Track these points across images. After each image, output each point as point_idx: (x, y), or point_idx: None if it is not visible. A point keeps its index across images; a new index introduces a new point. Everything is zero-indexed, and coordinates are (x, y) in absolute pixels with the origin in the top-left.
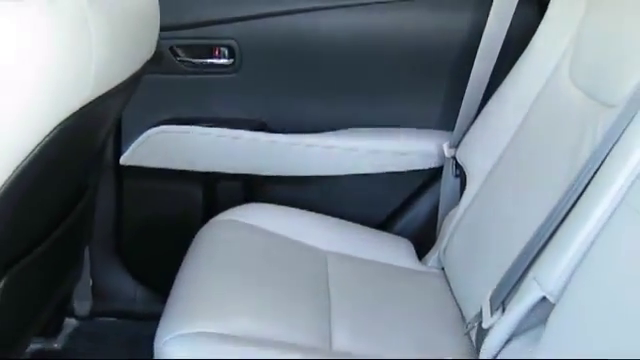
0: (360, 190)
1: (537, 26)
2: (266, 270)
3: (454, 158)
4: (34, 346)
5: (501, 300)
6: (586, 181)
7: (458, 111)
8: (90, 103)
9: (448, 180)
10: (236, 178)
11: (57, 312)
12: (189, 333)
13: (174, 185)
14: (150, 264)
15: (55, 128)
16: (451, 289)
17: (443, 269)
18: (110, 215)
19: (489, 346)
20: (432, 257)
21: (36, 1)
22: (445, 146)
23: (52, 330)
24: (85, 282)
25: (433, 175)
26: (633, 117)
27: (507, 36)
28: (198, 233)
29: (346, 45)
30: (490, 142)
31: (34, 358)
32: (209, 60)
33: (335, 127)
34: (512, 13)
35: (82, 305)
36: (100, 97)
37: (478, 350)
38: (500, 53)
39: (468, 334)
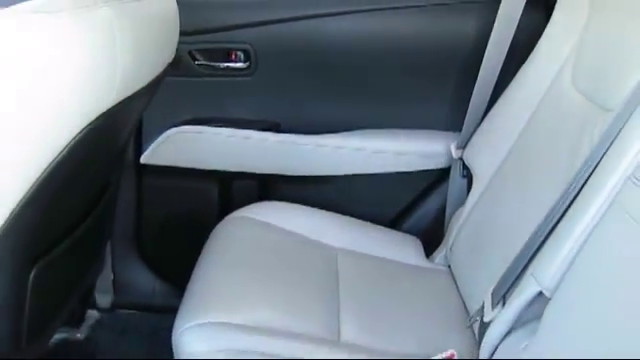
0: (370, 189)
1: (543, 30)
2: (278, 265)
3: (461, 159)
4: (59, 336)
5: (502, 295)
6: (582, 182)
7: (465, 113)
8: (115, 105)
9: (455, 180)
10: (251, 177)
11: (80, 304)
12: (205, 323)
13: (191, 183)
14: (168, 259)
15: (83, 129)
16: (457, 285)
17: (450, 266)
18: (130, 212)
19: (489, 339)
20: (439, 255)
21: (69, 13)
22: (452, 147)
23: (76, 321)
24: (106, 276)
25: (441, 175)
26: (627, 120)
27: (514, 40)
28: (214, 230)
29: (356, 49)
30: (496, 144)
31: (59, 347)
32: (225, 63)
33: (346, 128)
34: (518, 18)
35: (104, 298)
36: (124, 100)
37: (480, 343)
38: (507, 56)
39: (471, 327)
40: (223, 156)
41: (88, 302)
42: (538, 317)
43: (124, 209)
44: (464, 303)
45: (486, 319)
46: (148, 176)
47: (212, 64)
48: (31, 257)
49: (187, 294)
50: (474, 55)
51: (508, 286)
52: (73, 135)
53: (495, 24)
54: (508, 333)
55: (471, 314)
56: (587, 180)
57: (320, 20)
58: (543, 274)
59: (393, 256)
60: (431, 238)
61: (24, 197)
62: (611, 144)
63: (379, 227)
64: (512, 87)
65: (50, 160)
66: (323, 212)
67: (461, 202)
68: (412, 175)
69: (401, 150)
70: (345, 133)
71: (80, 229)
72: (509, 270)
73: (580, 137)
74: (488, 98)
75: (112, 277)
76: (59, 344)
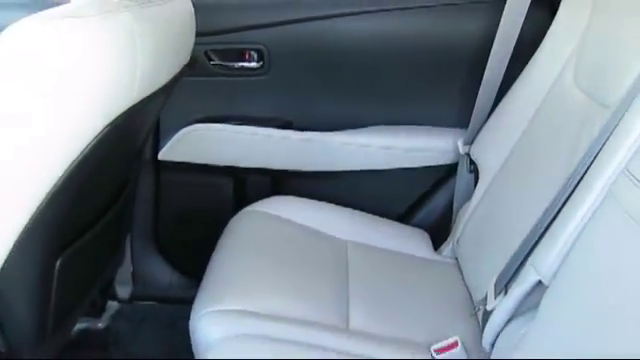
0: (379, 184)
1: (548, 29)
2: (291, 257)
3: (468, 155)
4: (81, 325)
5: (504, 285)
6: (580, 176)
7: (472, 110)
8: (135, 105)
9: (463, 175)
10: (264, 173)
11: (101, 295)
12: (221, 310)
13: (207, 179)
14: (185, 252)
15: (105, 127)
16: (463, 277)
17: (457, 259)
18: (149, 206)
19: (492, 326)
20: (447, 248)
21: (94, 18)
22: (460, 143)
23: (97, 311)
24: (126, 268)
25: (449, 171)
26: (622, 116)
27: (520, 38)
28: (229, 223)
29: (367, 48)
30: (501, 140)
31: (81, 336)
32: (240, 63)
33: (357, 125)
34: (523, 18)
35: (123, 289)
36: (143, 99)
37: (483, 330)
38: (513, 54)
39: (475, 316)
40: (237, 153)
41: (108, 293)
42: (537, 306)
43: (142, 204)
44: (469, 294)
45: (489, 308)
46: (165, 172)
47: (227, 64)
48: (57, 248)
49: (203, 283)
50: (480, 54)
51: (510, 276)
52: (96, 133)
53: (500, 24)
54: (509, 321)
55: (475, 304)
56: (584, 174)
57: (331, 21)
58: (541, 264)
59: (401, 249)
60: (439, 232)
61: (51, 191)
62: (607, 140)
63: (388, 221)
64: (517, 85)
65: (75, 156)
66: (334, 206)
67: (468, 197)
68: (421, 171)
69: (410, 146)
70: (355, 130)
71: (101, 223)
72: (511, 261)
73: (580, 133)
74: (494, 96)
75: (131, 270)
76: (81, 333)
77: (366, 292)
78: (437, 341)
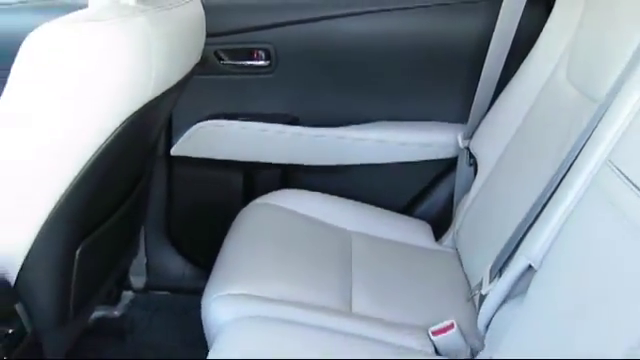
0: (383, 178)
1: (544, 26)
2: (297, 245)
3: (468, 149)
4: (97, 313)
5: (498, 270)
6: (567, 166)
7: (471, 106)
8: (149, 102)
9: (462, 168)
10: (272, 167)
11: (117, 285)
12: (230, 294)
13: (218, 173)
14: (196, 244)
15: (122, 124)
16: (462, 265)
17: (456, 249)
18: (162, 201)
19: (486, 309)
20: (447, 238)
21: (113, 22)
22: (459, 138)
23: (113, 300)
24: (140, 260)
25: (449, 164)
26: (606, 110)
27: (517, 36)
28: (238, 215)
29: (369, 47)
30: (498, 134)
31: (98, 323)
32: (248, 62)
33: (360, 121)
34: (519, 17)
35: (138, 280)
36: (157, 97)
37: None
38: (511, 52)
39: (472, 301)
40: (246, 148)
41: (124, 284)
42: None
43: (156, 198)
44: (468, 281)
45: (483, 292)
46: (177, 168)
47: (236, 63)
48: (77, 238)
49: (214, 271)
50: (479, 52)
51: (503, 262)
52: (113, 130)
53: (497, 22)
54: (502, 304)
55: (472, 289)
56: (572, 165)
57: (336, 21)
58: (531, 249)
59: (404, 239)
60: (441, 223)
61: (71, 185)
62: (592, 132)
63: (391, 213)
64: (513, 82)
65: (93, 152)
66: (339, 199)
67: (468, 189)
68: (422, 164)
69: (412, 141)
70: (359, 125)
71: (117, 215)
72: (504, 248)
73: (570, 127)
74: (492, 92)
75: (145, 261)
76: (98, 321)
77: (368, 279)
78: (435, 324)
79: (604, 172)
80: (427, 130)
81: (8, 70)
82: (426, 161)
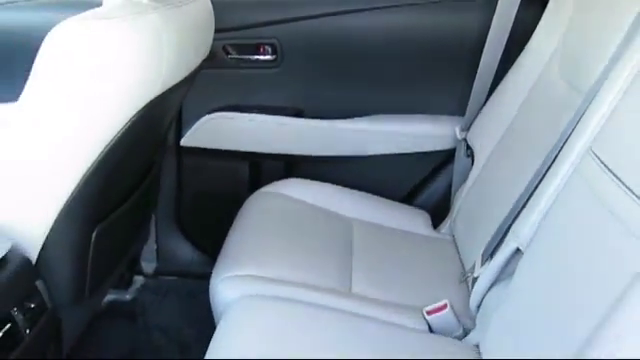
0: (384, 168)
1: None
2: (300, 231)
3: (465, 140)
4: (110, 297)
5: (489, 254)
6: (554, 155)
7: (469, 99)
8: (160, 95)
9: (460, 159)
10: (277, 157)
11: (128, 270)
12: (238, 275)
13: (225, 163)
14: (204, 231)
15: (135, 115)
16: (458, 251)
17: (453, 236)
18: (172, 189)
19: (477, 290)
20: (445, 226)
21: (126, 19)
22: (457, 130)
23: (124, 284)
24: (151, 247)
25: (448, 155)
26: (590, 102)
27: (513, 32)
28: (244, 203)
29: (371, 42)
30: (494, 126)
31: (110, 305)
32: (255, 57)
33: (362, 113)
34: (514, 14)
35: (148, 265)
36: (168, 90)
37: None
38: (507, 47)
39: (466, 283)
40: (253, 139)
41: (135, 269)
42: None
43: (166, 188)
44: (463, 265)
45: (475, 274)
46: (187, 158)
47: (243, 57)
48: (93, 221)
49: (222, 254)
50: (476, 48)
51: (494, 246)
52: (127, 121)
53: (494, 19)
54: (493, 285)
55: (466, 272)
56: (558, 154)
57: (339, 17)
58: (519, 233)
59: (403, 227)
60: (439, 212)
61: (87, 172)
62: (577, 123)
63: (391, 202)
64: (509, 76)
65: (108, 142)
66: (341, 188)
67: (465, 179)
68: (422, 156)
69: (411, 133)
70: (361, 118)
71: (130, 201)
72: (495, 233)
73: (559, 119)
74: (489, 86)
75: (155, 247)
76: (110, 304)
77: (368, 263)
78: (430, 305)
79: (586, 161)
80: (426, 122)
81: (25, 65)
82: (425, 152)
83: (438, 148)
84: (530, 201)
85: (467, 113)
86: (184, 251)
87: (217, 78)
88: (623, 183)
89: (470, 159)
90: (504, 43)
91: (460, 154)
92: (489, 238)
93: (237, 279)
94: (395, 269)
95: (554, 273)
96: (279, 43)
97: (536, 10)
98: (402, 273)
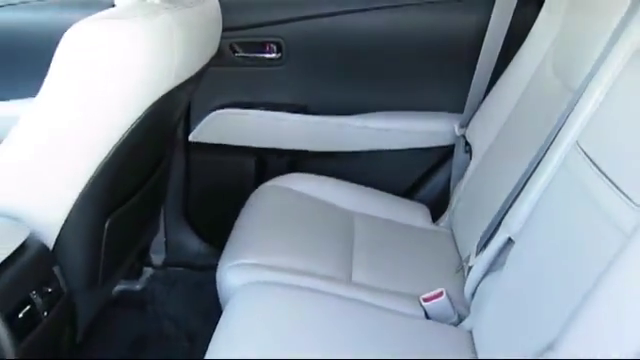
0: (385, 164)
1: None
2: (304, 223)
3: (464, 136)
4: (120, 287)
5: (483, 244)
6: (545, 150)
7: (467, 97)
8: (170, 91)
9: (459, 155)
10: (282, 153)
11: (138, 261)
12: (243, 263)
13: (232, 158)
14: (211, 224)
15: (146, 111)
16: (455, 243)
17: (452, 229)
18: (180, 183)
19: (472, 278)
20: (443, 219)
21: (138, 19)
22: (456, 126)
23: (134, 275)
24: (160, 239)
25: (447, 151)
26: (578, 99)
27: (510, 32)
28: (250, 196)
29: (374, 41)
30: (491, 123)
31: (121, 295)
32: (261, 55)
33: (365, 110)
34: (511, 14)
35: (157, 257)
36: (178, 86)
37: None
38: (504, 46)
39: (462, 272)
40: (259, 135)
41: (144, 260)
42: None
43: (175, 181)
44: (459, 256)
45: (470, 264)
46: (195, 152)
47: (249, 55)
48: (106, 211)
49: (228, 244)
50: (474, 47)
51: (488, 237)
52: (138, 116)
53: (491, 19)
54: (486, 274)
55: (462, 262)
56: (548, 149)
57: (342, 17)
58: (511, 224)
59: (403, 220)
60: (439, 206)
61: (101, 164)
62: (566, 118)
63: (392, 196)
64: (505, 75)
65: (120, 136)
66: (343, 182)
67: (464, 174)
68: (422, 151)
69: (412, 129)
70: (363, 114)
71: (140, 193)
72: (489, 225)
73: (551, 115)
74: (486, 84)
75: (164, 240)
76: (120, 293)
77: (368, 253)
78: (426, 292)
79: (572, 155)
80: (426, 119)
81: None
82: (425, 148)
83: (437, 144)
84: (521, 193)
85: (465, 110)
86: (192, 243)
87: (224, 76)
88: (606, 176)
89: (468, 155)
90: (501, 43)
91: (459, 150)
92: (484, 229)
93: (242, 267)
94: (394, 260)
95: (542, 261)
96: (284, 42)
97: (533, 9)
98: (401, 263)
